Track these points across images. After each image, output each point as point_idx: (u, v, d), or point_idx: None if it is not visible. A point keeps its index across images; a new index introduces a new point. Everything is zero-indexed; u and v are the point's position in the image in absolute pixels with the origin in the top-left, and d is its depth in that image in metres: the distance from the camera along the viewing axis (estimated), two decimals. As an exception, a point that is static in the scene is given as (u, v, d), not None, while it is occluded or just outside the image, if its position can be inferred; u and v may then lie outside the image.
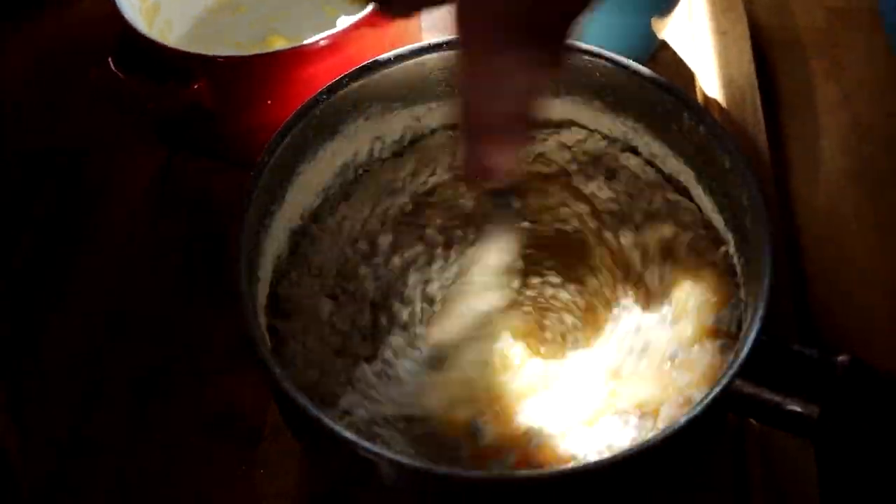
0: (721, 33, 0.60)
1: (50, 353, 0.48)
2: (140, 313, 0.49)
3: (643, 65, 0.42)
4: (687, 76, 0.58)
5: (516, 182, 0.35)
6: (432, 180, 0.45)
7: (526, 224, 0.44)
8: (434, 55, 0.43)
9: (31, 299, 0.50)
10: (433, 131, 0.46)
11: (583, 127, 0.45)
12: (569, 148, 0.45)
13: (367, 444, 0.32)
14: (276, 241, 0.41)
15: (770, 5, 0.65)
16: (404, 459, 0.32)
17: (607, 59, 0.41)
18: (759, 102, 0.57)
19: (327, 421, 0.32)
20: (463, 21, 0.26)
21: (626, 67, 0.41)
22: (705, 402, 0.33)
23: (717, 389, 0.33)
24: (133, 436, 0.45)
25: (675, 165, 0.43)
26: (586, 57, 0.41)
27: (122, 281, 0.51)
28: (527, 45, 0.26)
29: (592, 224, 0.44)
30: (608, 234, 0.44)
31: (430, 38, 0.44)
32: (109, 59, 0.48)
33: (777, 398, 0.35)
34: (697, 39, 0.60)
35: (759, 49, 0.62)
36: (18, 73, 0.61)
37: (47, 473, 0.43)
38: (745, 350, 0.33)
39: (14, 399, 0.46)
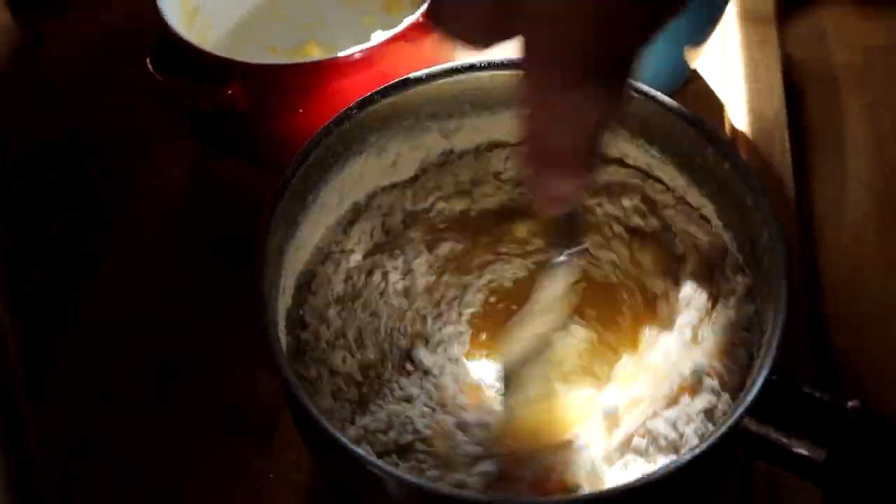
0: (754, 66, 0.60)
1: (75, 338, 0.49)
2: (164, 305, 0.50)
3: (674, 94, 0.42)
4: (716, 108, 0.58)
5: (577, 209, 0.36)
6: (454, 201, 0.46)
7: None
8: (466, 75, 0.43)
9: (59, 284, 0.51)
10: (462, 153, 0.46)
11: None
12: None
13: (374, 459, 0.33)
14: (300, 252, 0.41)
15: (806, 39, 0.64)
16: (409, 477, 0.33)
17: (635, 89, 0.41)
18: (787, 138, 0.57)
19: (338, 435, 0.33)
20: (530, 55, 0.26)
21: (652, 98, 0.41)
22: (711, 439, 0.33)
23: (724, 428, 0.33)
24: (150, 424, 0.46)
25: (696, 198, 0.43)
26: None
27: (149, 272, 0.52)
28: (592, 81, 0.26)
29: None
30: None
31: (462, 58, 0.44)
32: (147, 60, 0.49)
33: (784, 439, 0.35)
34: (729, 71, 0.60)
35: (791, 83, 0.62)
36: (60, 61, 0.62)
37: (65, 456, 0.44)
38: (755, 389, 0.34)
39: (35, 382, 0.47)
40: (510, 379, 0.39)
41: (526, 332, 0.38)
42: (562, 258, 0.36)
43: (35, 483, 0.21)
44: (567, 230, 0.36)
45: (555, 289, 0.37)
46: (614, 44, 0.26)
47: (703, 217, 0.43)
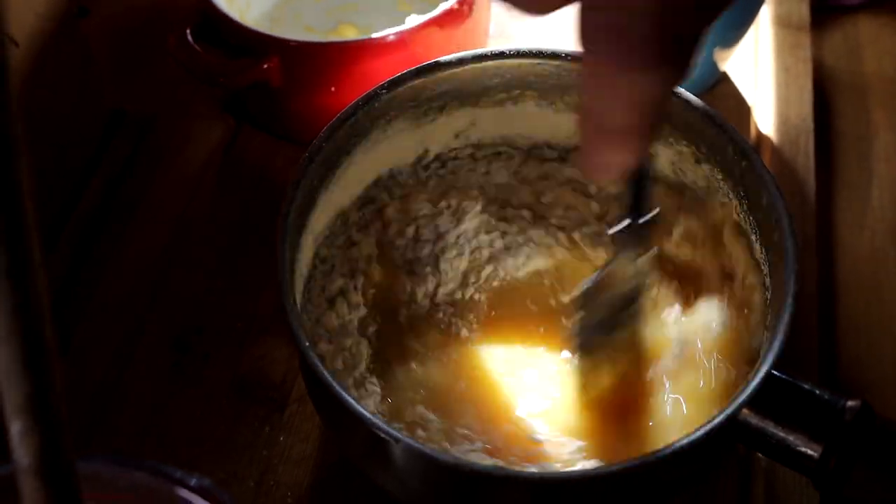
0: (784, 71, 0.60)
1: (101, 298, 0.50)
2: (189, 272, 0.51)
3: (702, 95, 0.42)
4: (744, 111, 0.59)
5: (644, 168, 0.36)
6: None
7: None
8: (496, 62, 0.44)
9: (90, 245, 0.53)
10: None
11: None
12: None
13: (382, 424, 0.34)
14: (321, 220, 0.42)
15: (840, 48, 0.65)
16: (416, 444, 0.33)
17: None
18: (812, 145, 0.57)
19: (349, 399, 0.34)
20: (592, 33, 0.26)
21: (675, 95, 0.42)
22: (708, 427, 0.34)
23: (722, 417, 0.34)
24: (167, 387, 0.47)
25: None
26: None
27: (177, 240, 0.53)
28: (650, 64, 0.26)
29: None
30: None
31: (494, 45, 0.45)
32: (188, 31, 0.50)
33: (782, 434, 0.35)
34: (759, 75, 0.60)
35: (822, 91, 0.62)
36: (104, 33, 0.64)
37: (85, 411, 0.46)
38: (755, 382, 0.34)
39: (62, 336, 0.48)
40: (584, 346, 0.40)
41: (600, 299, 0.39)
42: (630, 226, 0.36)
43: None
44: (635, 197, 0.36)
45: (630, 257, 0.38)
46: (677, 27, 0.26)
47: None
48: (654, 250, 0.39)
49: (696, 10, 0.26)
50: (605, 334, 0.40)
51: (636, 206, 0.36)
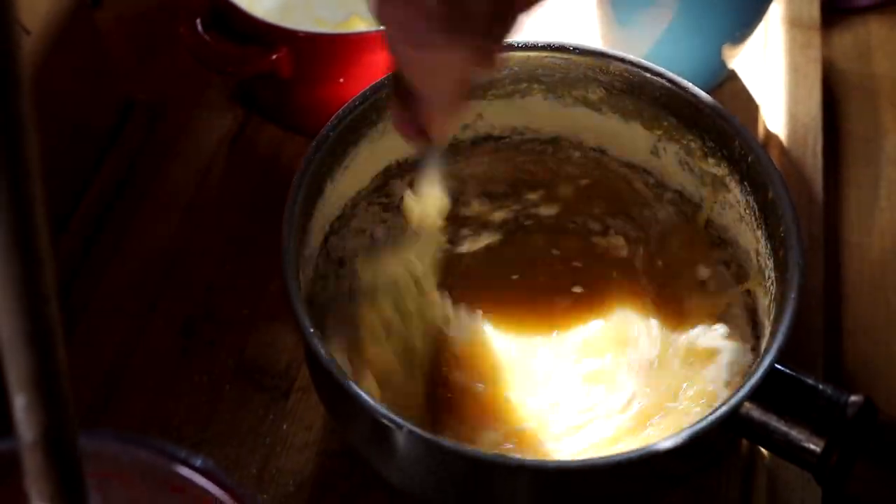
0: (794, 70, 0.60)
1: (109, 283, 0.51)
2: (197, 259, 0.52)
3: (711, 92, 0.43)
4: (752, 108, 0.59)
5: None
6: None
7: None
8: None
9: (100, 229, 0.53)
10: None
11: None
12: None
13: (384, 410, 0.34)
14: (329, 209, 0.43)
15: (850, 49, 0.65)
16: (417, 430, 0.34)
17: (667, 78, 0.42)
18: (820, 144, 0.57)
19: (349, 383, 0.34)
20: (386, 13, 0.28)
21: (684, 89, 0.42)
22: (710, 419, 0.34)
23: (724, 409, 0.34)
24: (174, 373, 0.48)
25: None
26: (648, 74, 0.42)
27: (185, 227, 0.53)
28: (457, 42, 0.27)
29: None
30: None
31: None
32: (198, 20, 0.50)
33: (784, 427, 0.35)
34: (769, 74, 0.60)
35: (831, 91, 0.62)
36: (119, 23, 0.64)
37: (91, 394, 0.46)
38: (757, 375, 0.34)
39: (68, 321, 0.48)
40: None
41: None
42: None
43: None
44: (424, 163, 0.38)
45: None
46: (471, 13, 0.27)
47: None
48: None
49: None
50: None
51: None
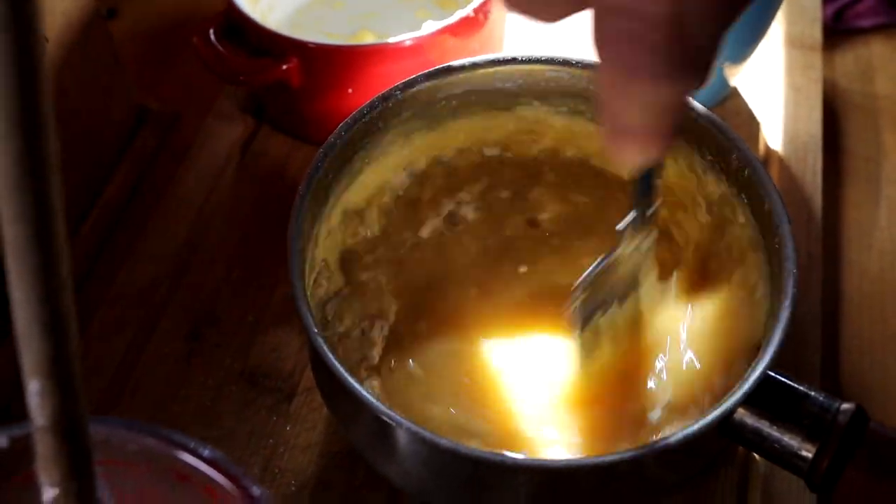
0: (795, 90, 0.61)
1: (120, 285, 0.52)
2: (206, 264, 0.53)
3: (710, 110, 0.43)
4: (753, 126, 0.59)
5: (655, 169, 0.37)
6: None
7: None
8: (508, 67, 0.45)
9: (112, 232, 0.54)
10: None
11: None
12: None
13: (385, 408, 0.35)
14: (336, 213, 0.44)
15: (852, 69, 0.65)
16: (417, 429, 0.34)
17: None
18: (820, 162, 0.58)
19: (350, 381, 0.35)
20: (601, 40, 0.26)
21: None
22: (702, 422, 0.34)
23: (717, 413, 0.35)
24: (180, 374, 0.48)
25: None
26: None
27: (195, 233, 0.54)
28: (662, 73, 0.26)
29: None
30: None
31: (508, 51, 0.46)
32: (211, 31, 0.52)
33: (776, 433, 0.36)
34: (770, 92, 0.61)
35: (833, 111, 0.63)
36: (134, 34, 0.66)
37: (99, 393, 0.47)
38: (751, 380, 0.35)
39: (82, 318, 0.49)
40: (582, 338, 0.41)
41: (600, 286, 0.40)
42: (635, 219, 0.38)
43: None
44: (646, 184, 0.37)
45: (633, 246, 0.39)
46: (691, 36, 0.25)
47: None
48: (655, 233, 0.40)
49: (712, 20, 0.26)
50: (605, 313, 0.41)
51: (643, 200, 0.37)
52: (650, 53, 0.25)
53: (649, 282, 0.42)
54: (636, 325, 0.43)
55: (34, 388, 0.23)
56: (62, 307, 0.22)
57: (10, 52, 0.19)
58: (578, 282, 0.39)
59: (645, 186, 0.37)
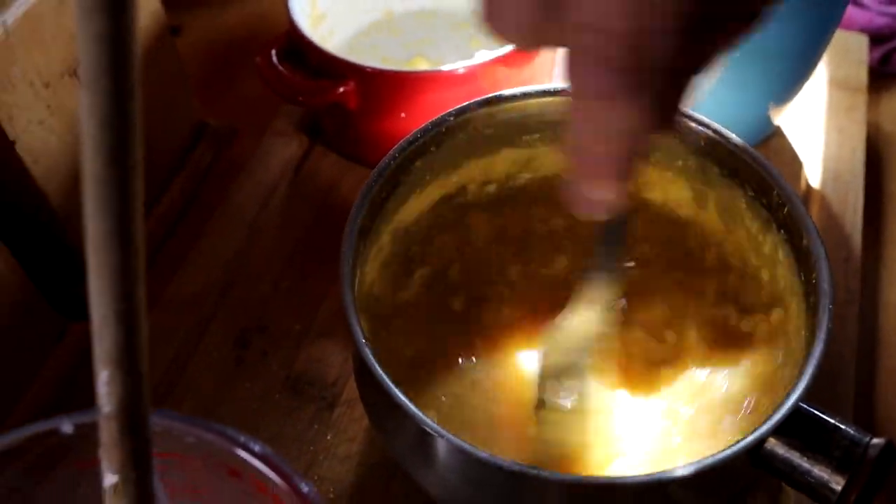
0: (838, 131, 0.62)
1: (172, 292, 0.54)
2: (256, 276, 0.55)
3: (755, 147, 0.44)
4: (795, 165, 0.60)
5: (622, 217, 0.36)
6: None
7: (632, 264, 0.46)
8: (558, 98, 0.46)
9: (167, 241, 0.57)
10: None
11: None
12: None
13: (427, 419, 0.36)
14: (388, 230, 0.45)
15: (897, 114, 0.66)
16: (458, 441, 0.35)
17: (713, 129, 0.44)
18: (861, 202, 0.58)
19: (395, 390, 0.36)
20: (573, 63, 0.26)
21: (726, 139, 0.44)
22: (729, 451, 0.35)
23: (747, 441, 0.36)
24: (227, 380, 0.50)
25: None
26: (693, 123, 0.44)
27: (247, 245, 0.56)
28: (624, 94, 0.25)
29: None
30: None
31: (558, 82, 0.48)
32: (273, 52, 0.54)
33: (806, 464, 0.37)
34: (813, 132, 0.62)
35: (875, 153, 0.63)
36: (196, 51, 0.68)
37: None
38: (782, 411, 0.36)
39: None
40: (546, 382, 0.41)
41: (567, 334, 0.40)
42: (603, 271, 0.37)
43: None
44: (611, 240, 0.37)
45: (597, 298, 0.39)
46: (653, 58, 0.25)
47: None
48: (622, 295, 0.39)
49: (681, 44, 0.25)
50: (571, 377, 0.41)
51: (606, 260, 0.37)
52: (605, 69, 0.25)
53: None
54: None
55: (104, 377, 0.24)
56: (136, 300, 0.23)
57: (110, 55, 0.20)
58: (544, 335, 0.40)
59: (611, 240, 0.36)
